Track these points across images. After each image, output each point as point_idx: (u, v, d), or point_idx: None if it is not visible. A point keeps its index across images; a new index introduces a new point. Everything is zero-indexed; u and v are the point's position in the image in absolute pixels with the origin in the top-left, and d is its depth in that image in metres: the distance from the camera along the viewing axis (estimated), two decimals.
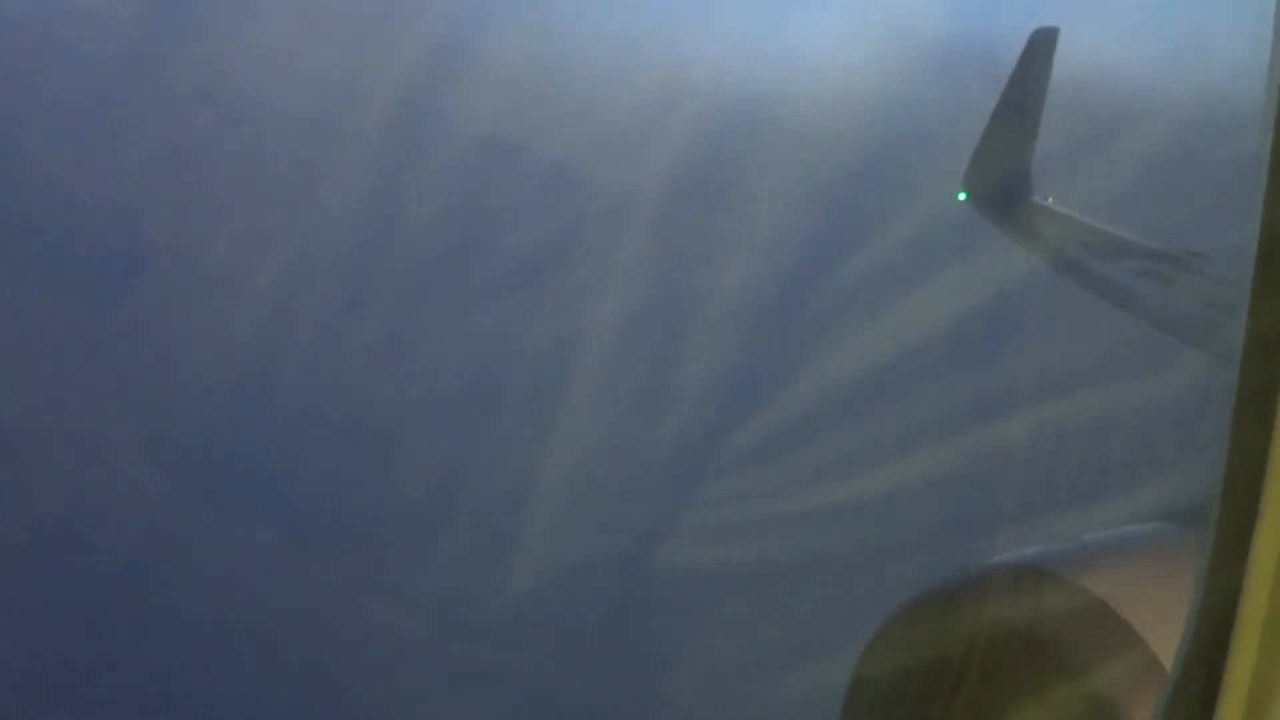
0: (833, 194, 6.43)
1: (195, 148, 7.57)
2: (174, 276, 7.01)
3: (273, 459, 6.23)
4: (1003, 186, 5.49)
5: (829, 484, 5.25)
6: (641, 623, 5.45)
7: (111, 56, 7.90)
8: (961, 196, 5.52)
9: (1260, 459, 1.03)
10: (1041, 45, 5.59)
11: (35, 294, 6.67)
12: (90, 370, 6.53)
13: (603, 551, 5.61)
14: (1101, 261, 5.29)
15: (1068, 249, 5.32)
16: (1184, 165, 5.51)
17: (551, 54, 7.05)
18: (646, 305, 6.15)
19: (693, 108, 6.63)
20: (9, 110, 9.22)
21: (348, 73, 7.11)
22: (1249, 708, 1.00)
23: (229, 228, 7.03)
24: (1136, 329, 4.99)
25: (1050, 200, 5.45)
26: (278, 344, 6.47)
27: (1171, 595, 1.15)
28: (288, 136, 7.24)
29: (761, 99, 6.82)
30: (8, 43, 9.96)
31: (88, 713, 5.02)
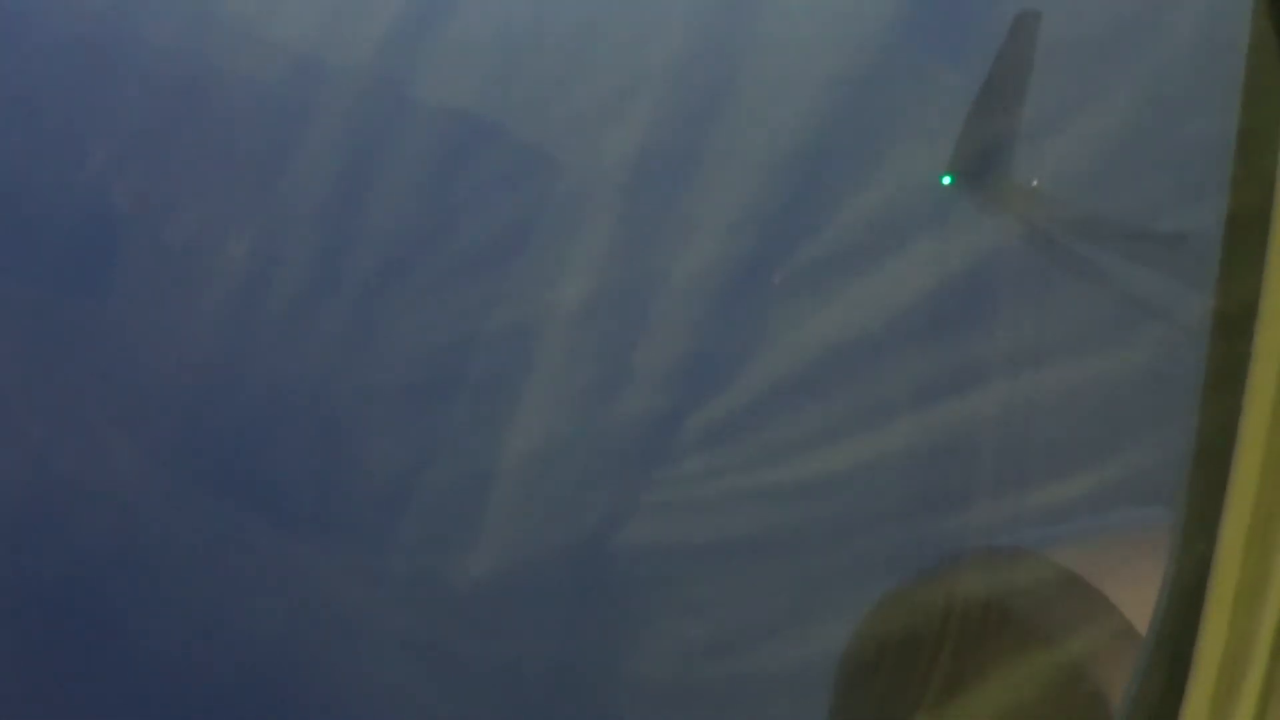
0: (797, 168, 6.44)
1: (157, 126, 7.55)
2: (140, 259, 7.00)
3: (240, 441, 6.23)
4: (988, 169, 5.51)
5: (797, 460, 5.26)
6: (609, 601, 5.47)
7: (73, 34, 7.87)
8: (946, 180, 5.53)
9: (1230, 433, 1.06)
10: (1024, 28, 5.60)
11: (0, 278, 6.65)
12: (55, 352, 6.52)
13: (569, 530, 5.62)
14: (1086, 242, 5.33)
15: (1053, 230, 5.35)
16: (1163, 141, 5.53)
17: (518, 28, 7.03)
18: (607, 285, 6.13)
19: (655, 82, 6.62)
20: None
21: (315, 48, 7.09)
22: (1220, 674, 1.02)
23: (193, 208, 7.01)
24: (1110, 304, 5.01)
25: (1035, 183, 5.48)
26: (243, 326, 6.46)
27: (1146, 567, 1.17)
28: (253, 115, 7.22)
29: (721, 77, 6.81)
30: None
31: (56, 696, 5.03)
